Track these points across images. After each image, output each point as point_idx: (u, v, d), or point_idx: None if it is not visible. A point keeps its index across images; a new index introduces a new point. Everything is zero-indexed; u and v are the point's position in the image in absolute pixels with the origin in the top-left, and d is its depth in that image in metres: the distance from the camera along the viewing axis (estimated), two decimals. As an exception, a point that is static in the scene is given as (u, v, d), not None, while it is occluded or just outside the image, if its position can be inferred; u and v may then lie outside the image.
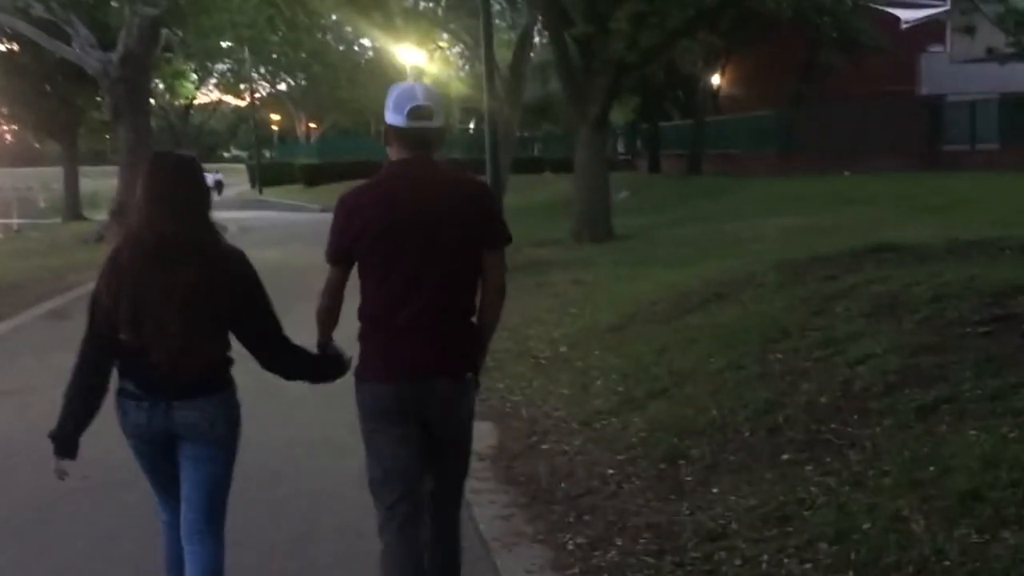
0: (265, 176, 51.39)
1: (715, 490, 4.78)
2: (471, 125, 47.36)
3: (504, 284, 3.60)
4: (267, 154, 66.42)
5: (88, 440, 3.50)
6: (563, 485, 5.34)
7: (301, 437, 6.48)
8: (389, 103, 3.41)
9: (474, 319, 3.56)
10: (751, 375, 5.99)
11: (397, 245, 3.33)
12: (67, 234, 28.64)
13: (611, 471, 5.35)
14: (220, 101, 73.78)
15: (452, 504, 3.71)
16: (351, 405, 3.55)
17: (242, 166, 67.64)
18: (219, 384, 3.44)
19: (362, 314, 3.47)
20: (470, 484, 5.16)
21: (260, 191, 49.35)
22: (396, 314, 3.37)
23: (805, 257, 9.33)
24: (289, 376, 3.67)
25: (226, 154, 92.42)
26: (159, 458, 3.47)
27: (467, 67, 57.58)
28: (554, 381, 7.37)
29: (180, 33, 34.61)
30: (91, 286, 3.51)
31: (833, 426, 5.00)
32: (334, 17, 55.51)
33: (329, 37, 57.37)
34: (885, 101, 27.91)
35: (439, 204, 3.38)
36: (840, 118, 27.36)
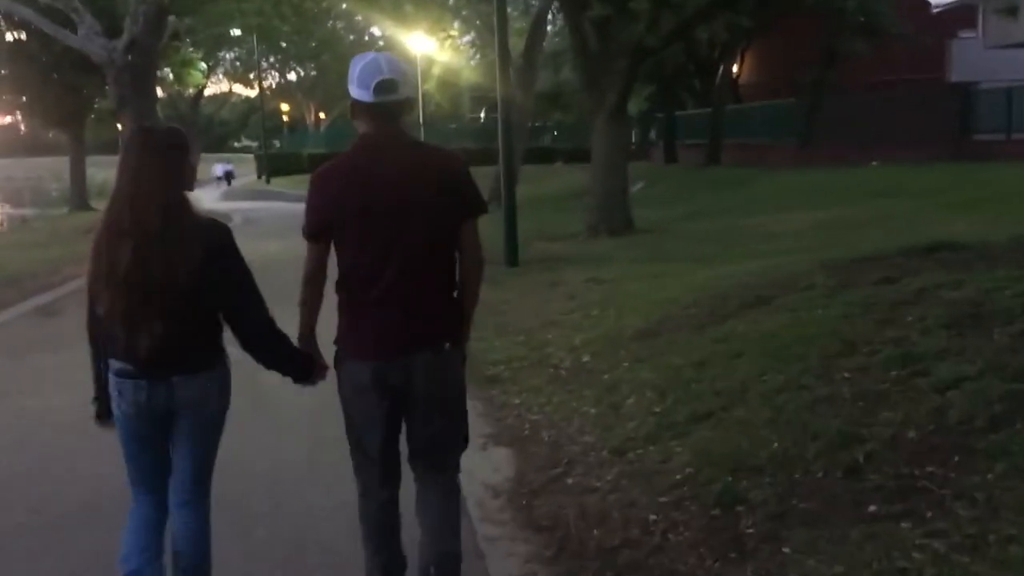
0: (274, 166, 50.46)
1: (785, 549, 3.82)
2: (482, 114, 46.24)
3: (481, 256, 3.55)
4: (276, 144, 65.47)
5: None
6: (596, 533, 4.40)
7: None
8: (353, 77, 3.33)
9: (453, 292, 3.50)
10: (815, 398, 5.01)
11: (370, 218, 3.29)
12: (71, 225, 27.83)
13: (653, 517, 4.39)
14: (231, 92, 73.16)
15: (443, 473, 3.62)
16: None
17: (251, 156, 66.78)
18: (215, 357, 3.40)
19: (339, 288, 3.42)
20: (484, 530, 4.65)
21: (268, 181, 48.43)
22: (371, 287, 3.33)
23: (851, 256, 8.36)
24: (265, 363, 3.50)
25: (236, 144, 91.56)
26: (153, 437, 3.40)
27: (477, 56, 56.83)
28: (578, 397, 6.43)
29: (187, 21, 33.77)
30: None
31: (930, 469, 4.02)
32: (344, 6, 55.05)
33: (339, 25, 56.62)
34: (912, 89, 26.81)
35: (411, 175, 3.32)
36: (865, 107, 26.25)
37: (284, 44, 53.08)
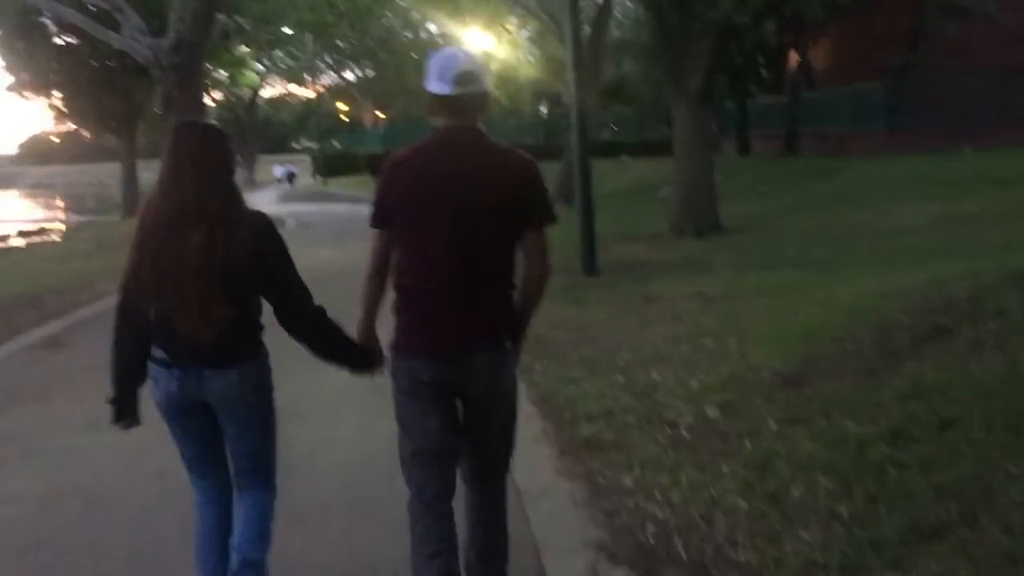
0: (331, 166, 49.09)
1: None
2: (543, 109, 44.40)
3: (548, 266, 3.36)
4: (336, 144, 64.06)
5: None
6: None
7: None
8: (432, 71, 3.24)
9: (512, 292, 3.33)
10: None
11: (433, 213, 3.16)
12: (120, 232, 26.46)
13: None
14: (288, 93, 72.12)
15: (494, 479, 3.50)
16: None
17: (308, 156, 65.61)
18: (249, 351, 3.33)
19: (397, 285, 3.31)
20: None
21: (324, 182, 47.08)
22: (430, 284, 3.22)
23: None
24: (318, 352, 3.44)
25: (296, 145, 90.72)
26: (192, 427, 3.37)
27: (536, 50, 55.04)
28: (714, 477, 4.58)
29: (238, 19, 32.46)
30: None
31: None
32: (400, 1, 53.56)
33: (395, 22, 55.14)
34: (1004, 71, 24.46)
35: (480, 173, 3.19)
36: (952, 90, 23.98)
37: (339, 43, 51.67)
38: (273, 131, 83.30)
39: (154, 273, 3.19)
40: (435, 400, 3.28)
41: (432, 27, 57.34)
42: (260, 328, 3.37)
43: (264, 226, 3.31)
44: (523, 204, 3.25)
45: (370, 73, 60.16)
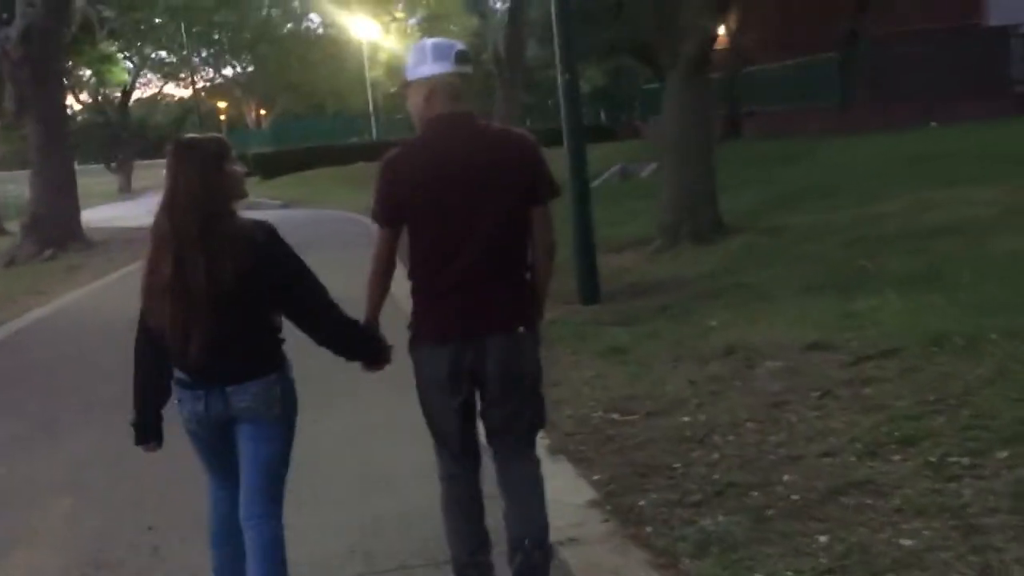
0: (215, 169, 44.70)
1: None
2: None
3: (554, 240, 3.33)
4: None
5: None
6: None
7: None
8: (425, 56, 3.17)
9: (526, 275, 3.31)
10: None
11: (448, 200, 3.12)
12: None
13: None
14: (162, 93, 67.09)
15: (521, 454, 3.41)
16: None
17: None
18: (272, 365, 3.21)
19: (412, 273, 3.27)
20: None
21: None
22: (446, 271, 3.17)
23: None
24: (337, 350, 3.36)
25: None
26: (218, 443, 3.28)
27: (425, 36, 51.63)
28: None
29: (100, 8, 28.27)
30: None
31: None
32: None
33: (275, 12, 51.15)
34: (960, 35, 22.22)
35: (487, 157, 3.16)
36: (905, 59, 21.62)
37: (216, 35, 47.31)
38: (148, 134, 77.59)
39: (160, 298, 3.11)
40: (453, 382, 3.23)
41: (314, 16, 53.59)
42: (280, 340, 3.26)
43: (264, 240, 3.14)
44: (529, 181, 3.20)
45: (250, 68, 55.96)
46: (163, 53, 49.10)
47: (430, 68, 3.16)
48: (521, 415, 3.35)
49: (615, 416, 5.47)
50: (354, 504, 4.77)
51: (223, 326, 3.06)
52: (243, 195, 3.23)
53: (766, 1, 25.25)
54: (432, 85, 3.17)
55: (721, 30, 25.48)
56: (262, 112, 58.22)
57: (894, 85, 21.38)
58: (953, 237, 9.04)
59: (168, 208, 3.10)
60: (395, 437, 5.55)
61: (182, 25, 35.99)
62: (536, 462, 3.47)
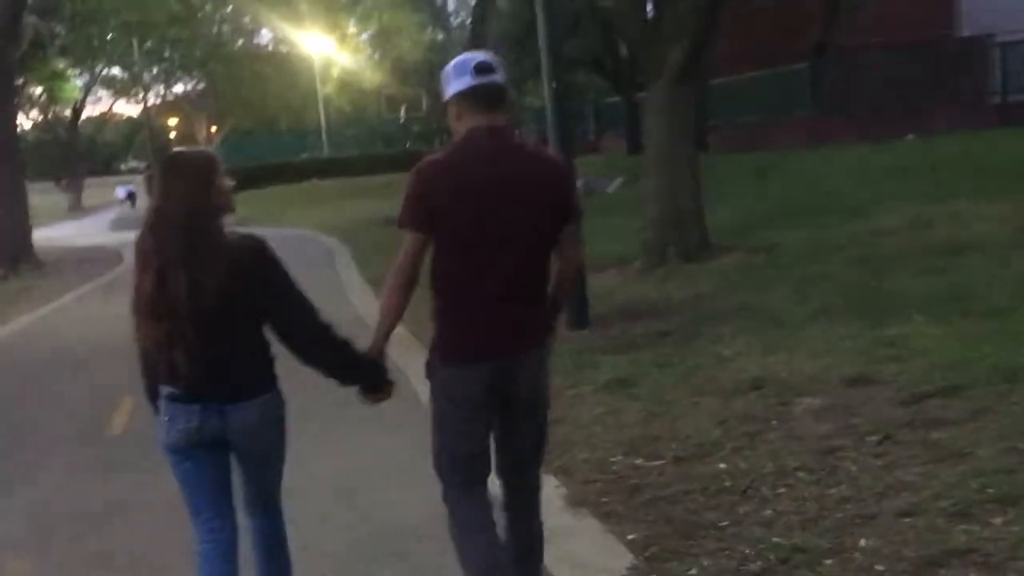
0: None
1: None
2: (402, 114, 40.24)
3: (582, 258, 3.40)
4: None
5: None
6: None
7: None
8: (449, 76, 3.15)
9: (548, 290, 3.25)
10: None
11: (481, 214, 3.03)
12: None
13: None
14: (111, 112, 65.61)
15: (529, 474, 3.39)
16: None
17: (140, 177, 59.05)
18: (266, 384, 3.15)
19: (440, 289, 3.14)
20: None
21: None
22: (480, 289, 3.08)
23: None
24: (327, 371, 3.20)
25: (123, 166, 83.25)
26: (206, 463, 3.14)
27: (380, 53, 50.81)
28: None
29: (52, 24, 27.23)
30: None
31: None
32: (229, 9, 48.38)
33: (226, 29, 50.10)
34: (934, 46, 21.90)
35: (523, 176, 3.11)
36: (877, 71, 21.25)
37: (167, 52, 46.12)
38: (98, 152, 75.88)
39: (133, 311, 3.07)
40: (481, 406, 3.15)
41: (266, 33, 52.51)
42: (273, 359, 3.16)
43: (252, 256, 3.05)
44: (563, 200, 3.19)
45: (201, 85, 54.79)
46: (115, 70, 47.91)
47: (454, 86, 3.15)
48: (536, 432, 3.35)
49: (638, 461, 4.83)
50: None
51: (211, 344, 2.99)
52: (232, 209, 3.12)
53: (730, 11, 24.84)
54: (460, 100, 3.15)
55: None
56: (213, 129, 57.05)
57: (865, 97, 21.02)
58: (969, 255, 8.54)
59: (153, 224, 3.02)
60: (393, 484, 4.88)
61: (134, 41, 34.86)
62: (539, 486, 3.47)
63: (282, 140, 52.60)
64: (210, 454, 3.13)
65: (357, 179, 36.40)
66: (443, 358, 3.15)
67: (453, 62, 3.20)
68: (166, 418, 3.11)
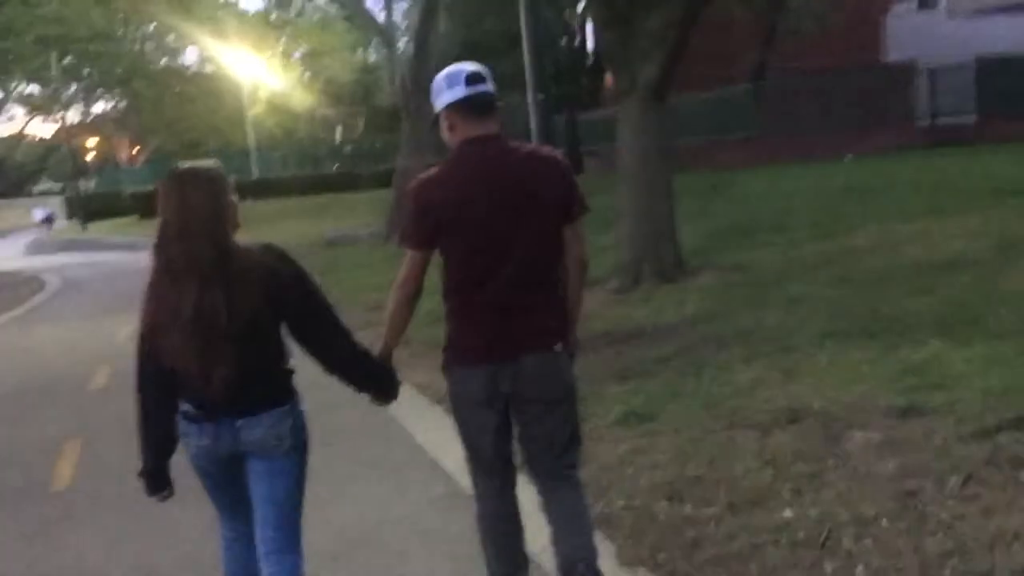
0: (91, 209, 41.98)
1: None
2: (337, 134, 39.44)
3: (587, 255, 3.33)
4: (84, 185, 55.52)
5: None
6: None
7: None
8: (440, 88, 3.18)
9: (559, 292, 3.27)
10: None
11: (481, 222, 3.07)
12: None
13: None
14: (23, 134, 63.40)
15: (564, 478, 3.33)
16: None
17: (57, 199, 56.90)
18: (283, 397, 3.06)
19: (447, 295, 3.22)
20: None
21: (84, 227, 40.05)
22: (484, 291, 3.13)
23: None
24: (349, 380, 3.20)
25: (35, 188, 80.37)
26: (226, 479, 3.11)
27: (311, 74, 49.91)
28: None
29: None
30: None
31: None
32: (152, 27, 47.05)
33: (148, 46, 48.80)
34: (863, 71, 22.09)
35: (521, 176, 3.13)
36: (810, 93, 21.39)
37: (88, 70, 44.65)
38: (9, 173, 73.18)
39: (156, 332, 2.93)
40: (485, 405, 3.21)
41: (192, 52, 51.21)
42: (291, 371, 3.09)
43: (278, 267, 2.97)
44: (563, 198, 3.17)
45: (123, 104, 53.26)
46: (32, 88, 46.25)
47: (446, 97, 3.16)
48: (557, 435, 3.30)
49: (687, 509, 4.29)
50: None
51: (244, 358, 2.91)
52: (238, 225, 3.02)
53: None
54: (451, 112, 3.16)
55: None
56: (135, 150, 55.43)
57: (802, 119, 21.08)
58: (954, 273, 8.25)
59: (177, 238, 2.89)
60: (424, 533, 4.31)
61: (53, 56, 33.50)
62: (579, 485, 3.41)
63: (219, 155, 51.36)
64: (229, 470, 3.09)
65: (288, 200, 35.44)
66: (453, 359, 3.25)
67: (444, 73, 3.20)
68: (182, 435, 3.06)
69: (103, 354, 10.33)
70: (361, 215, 26.29)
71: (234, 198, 3.03)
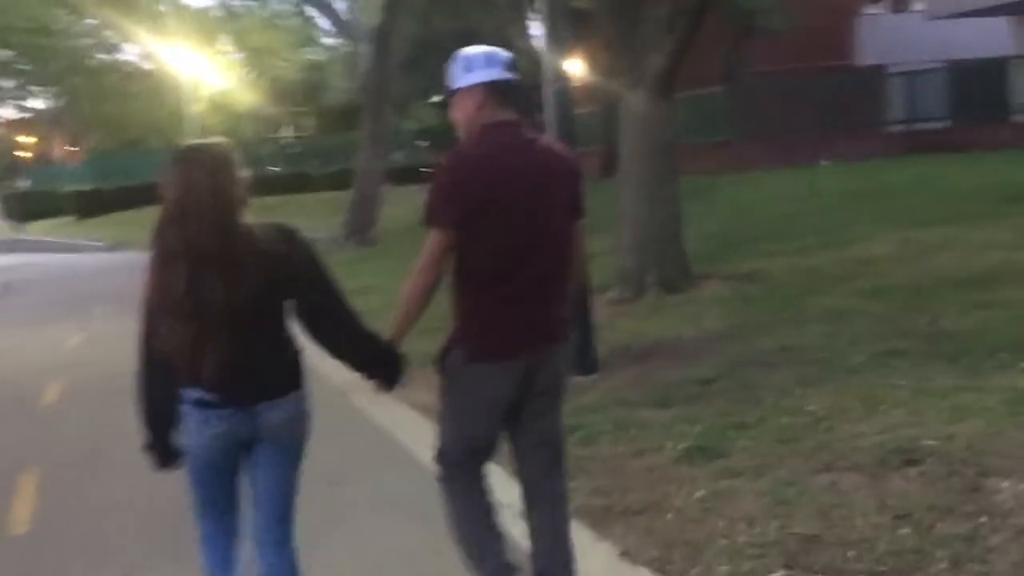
0: (27, 209, 40.27)
1: None
2: (285, 137, 38.20)
3: (587, 253, 3.36)
4: (28, 183, 53.33)
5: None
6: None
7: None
8: (473, 63, 3.05)
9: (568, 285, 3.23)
10: None
11: (510, 211, 2.97)
12: None
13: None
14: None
15: (556, 471, 3.29)
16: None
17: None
18: (298, 380, 2.99)
19: (464, 288, 3.06)
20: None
21: (21, 227, 38.35)
22: (509, 284, 3.01)
23: None
24: (355, 364, 3.09)
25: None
26: (229, 469, 3.00)
27: (255, 73, 48.50)
28: None
29: None
30: None
31: None
32: (89, 21, 45.25)
33: (87, 42, 46.95)
34: (836, 75, 21.64)
35: (544, 168, 3.07)
36: (782, 98, 20.88)
37: (23, 66, 42.72)
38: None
39: (153, 316, 2.84)
40: (508, 401, 3.11)
41: (131, 48, 49.34)
42: (300, 352, 2.99)
43: (286, 249, 2.85)
44: (576, 194, 3.15)
45: (60, 101, 51.25)
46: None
47: (483, 74, 3.05)
48: (555, 428, 3.28)
49: (817, 582, 3.44)
50: None
51: (242, 343, 2.79)
52: (247, 203, 2.86)
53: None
54: (485, 91, 3.05)
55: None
56: (73, 148, 53.53)
57: (776, 123, 20.55)
58: (1006, 288, 7.57)
59: (178, 219, 2.78)
60: None
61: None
62: (564, 490, 3.34)
63: (148, 160, 49.61)
64: (229, 460, 2.97)
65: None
66: (473, 356, 3.06)
67: (478, 51, 3.08)
68: (192, 423, 2.90)
69: (52, 365, 9.32)
70: (313, 217, 25.16)
71: (245, 174, 2.87)
